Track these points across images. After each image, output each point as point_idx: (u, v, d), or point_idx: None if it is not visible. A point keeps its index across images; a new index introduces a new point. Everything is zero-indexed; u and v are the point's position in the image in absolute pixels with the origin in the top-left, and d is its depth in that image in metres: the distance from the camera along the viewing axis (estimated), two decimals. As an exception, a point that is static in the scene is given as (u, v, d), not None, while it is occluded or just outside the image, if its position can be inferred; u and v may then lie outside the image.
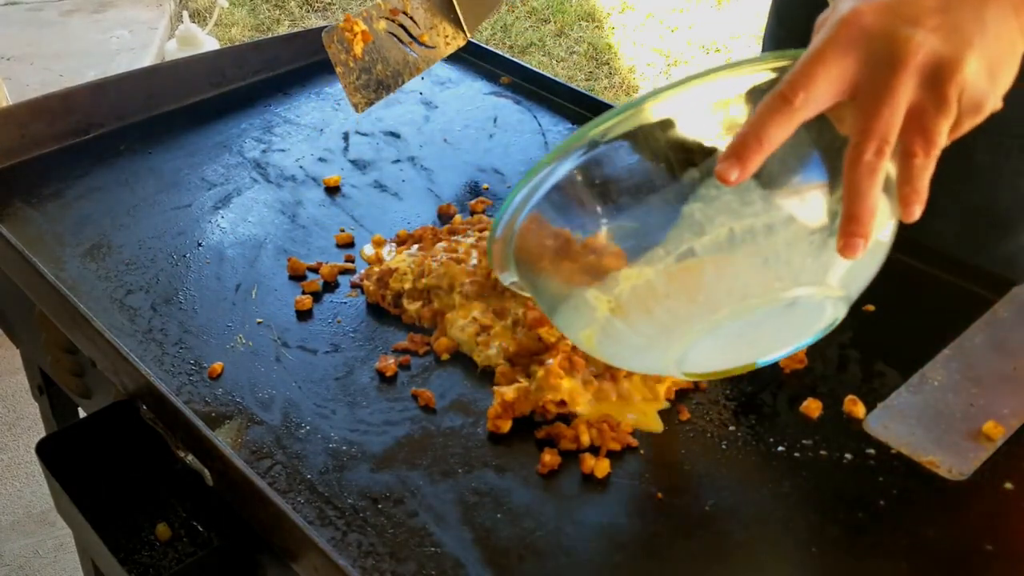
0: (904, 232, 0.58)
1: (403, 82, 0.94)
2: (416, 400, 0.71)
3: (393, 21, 0.93)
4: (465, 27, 0.99)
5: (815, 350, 0.74)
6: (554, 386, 0.68)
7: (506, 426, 0.68)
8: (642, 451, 0.67)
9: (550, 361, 0.69)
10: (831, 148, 0.53)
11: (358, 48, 0.90)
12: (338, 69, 0.89)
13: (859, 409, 0.69)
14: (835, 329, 0.79)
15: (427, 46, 0.96)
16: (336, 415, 0.70)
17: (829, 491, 0.64)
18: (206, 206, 0.92)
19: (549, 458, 0.65)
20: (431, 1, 0.96)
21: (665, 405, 0.70)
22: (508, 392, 0.68)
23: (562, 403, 0.68)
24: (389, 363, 0.73)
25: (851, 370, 0.73)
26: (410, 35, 0.94)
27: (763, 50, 1.04)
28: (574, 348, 0.71)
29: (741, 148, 0.50)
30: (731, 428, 0.68)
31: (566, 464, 0.66)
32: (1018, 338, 0.74)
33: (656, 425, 0.68)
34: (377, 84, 0.92)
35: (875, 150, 0.50)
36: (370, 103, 0.92)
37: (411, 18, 0.94)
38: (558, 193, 0.57)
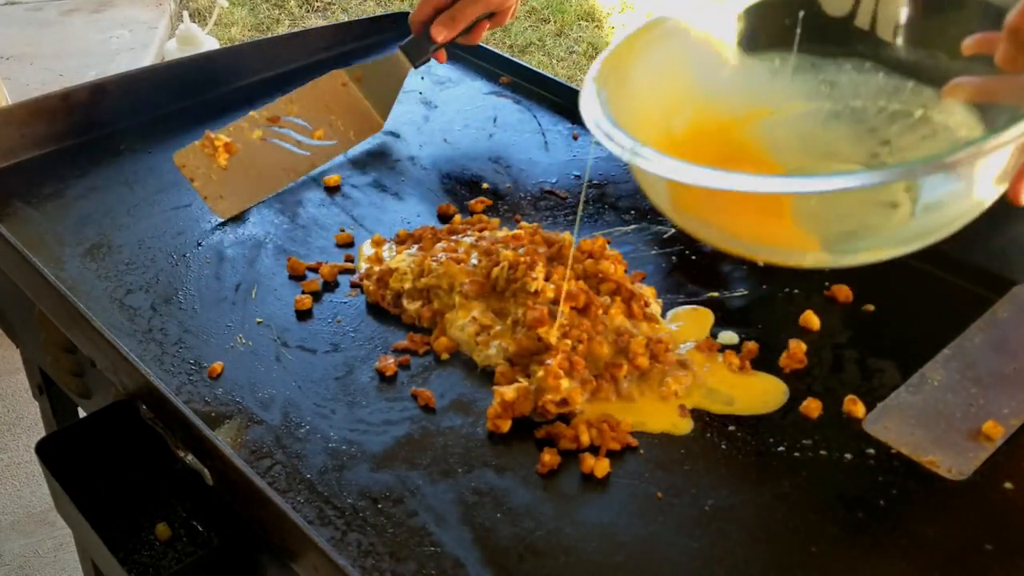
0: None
1: (292, 179, 0.94)
2: (416, 400, 0.71)
3: (273, 128, 0.94)
4: (377, 115, 0.99)
5: (815, 350, 0.75)
6: (554, 386, 0.68)
7: (506, 426, 0.68)
8: (642, 451, 0.67)
9: (549, 361, 0.69)
10: None
11: (222, 159, 0.90)
12: (195, 184, 0.89)
13: (859, 409, 0.69)
14: (835, 329, 0.79)
15: (322, 142, 0.96)
16: (336, 415, 0.70)
17: (829, 491, 0.64)
18: (206, 206, 0.92)
19: (549, 458, 0.65)
20: (324, 99, 0.97)
21: (675, 407, 0.70)
22: (508, 392, 0.68)
23: (563, 403, 0.68)
24: (389, 363, 0.73)
25: (851, 370, 0.73)
26: (297, 137, 0.95)
27: None
28: (574, 348, 0.71)
29: None
30: (731, 428, 0.68)
31: (566, 464, 0.66)
32: (1018, 338, 0.74)
33: (672, 426, 0.68)
34: (251, 189, 0.91)
35: None
36: (241, 208, 0.90)
37: (297, 120, 0.95)
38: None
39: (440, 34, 0.95)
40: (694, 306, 0.79)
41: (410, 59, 0.99)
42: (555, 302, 0.74)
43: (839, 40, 0.65)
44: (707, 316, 0.78)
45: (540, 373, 0.69)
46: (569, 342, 0.71)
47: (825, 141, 0.65)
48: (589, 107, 0.58)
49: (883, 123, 0.63)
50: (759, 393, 0.71)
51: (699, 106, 0.64)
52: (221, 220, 0.89)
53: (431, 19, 0.96)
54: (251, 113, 0.94)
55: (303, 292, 0.81)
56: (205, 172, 0.90)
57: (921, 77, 0.62)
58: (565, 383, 0.68)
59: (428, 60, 1.00)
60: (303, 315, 0.79)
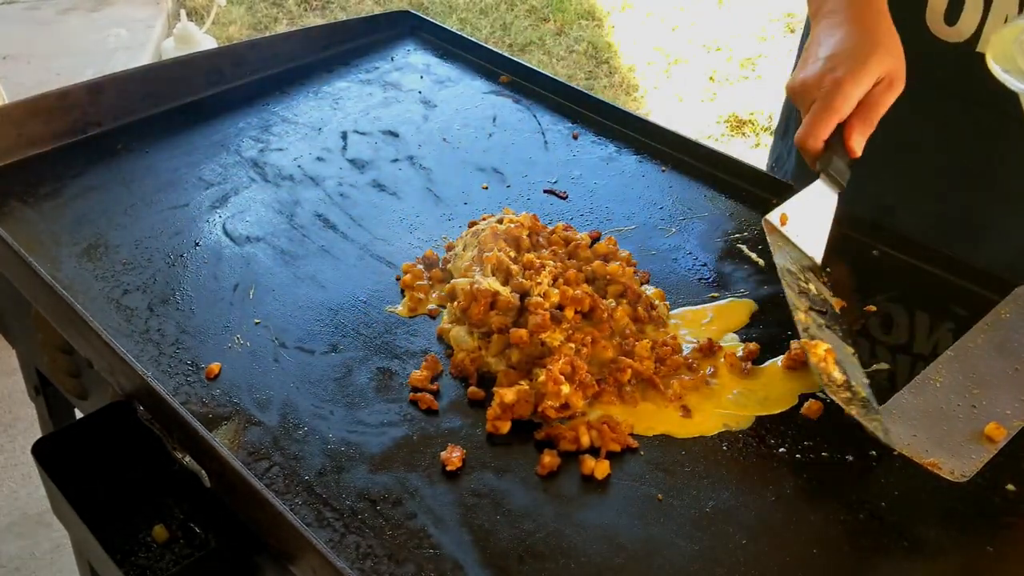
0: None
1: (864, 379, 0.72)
2: (416, 403, 0.70)
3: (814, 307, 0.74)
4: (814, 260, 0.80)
5: (816, 350, 0.74)
6: (554, 391, 0.68)
7: (505, 427, 0.68)
8: (642, 452, 0.67)
9: (551, 367, 0.69)
10: None
11: (836, 372, 0.69)
12: (851, 410, 0.67)
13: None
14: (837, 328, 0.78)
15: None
16: (334, 416, 0.69)
17: (830, 492, 0.64)
18: (203, 206, 0.92)
19: (549, 459, 0.65)
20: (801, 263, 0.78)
21: (677, 410, 0.69)
22: (508, 394, 0.68)
23: (563, 407, 0.68)
24: (453, 457, 0.66)
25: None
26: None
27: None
28: (577, 351, 0.71)
29: None
30: (732, 429, 0.68)
31: (566, 465, 0.65)
32: (1020, 339, 0.73)
33: (678, 427, 0.68)
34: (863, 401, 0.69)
35: None
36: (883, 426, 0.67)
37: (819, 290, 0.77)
38: None
39: (860, 144, 0.79)
40: (696, 306, 0.79)
41: (836, 183, 0.80)
42: (560, 307, 0.73)
43: None
44: (703, 314, 0.78)
45: (541, 378, 0.69)
46: (573, 346, 0.71)
47: None
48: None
49: None
50: (786, 387, 0.71)
51: None
52: (222, 225, 0.88)
53: (833, 135, 0.79)
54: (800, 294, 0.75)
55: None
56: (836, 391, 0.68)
57: None
58: (566, 388, 0.68)
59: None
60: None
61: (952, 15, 0.79)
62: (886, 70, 0.78)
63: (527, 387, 0.69)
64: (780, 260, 0.75)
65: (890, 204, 0.91)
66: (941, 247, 0.84)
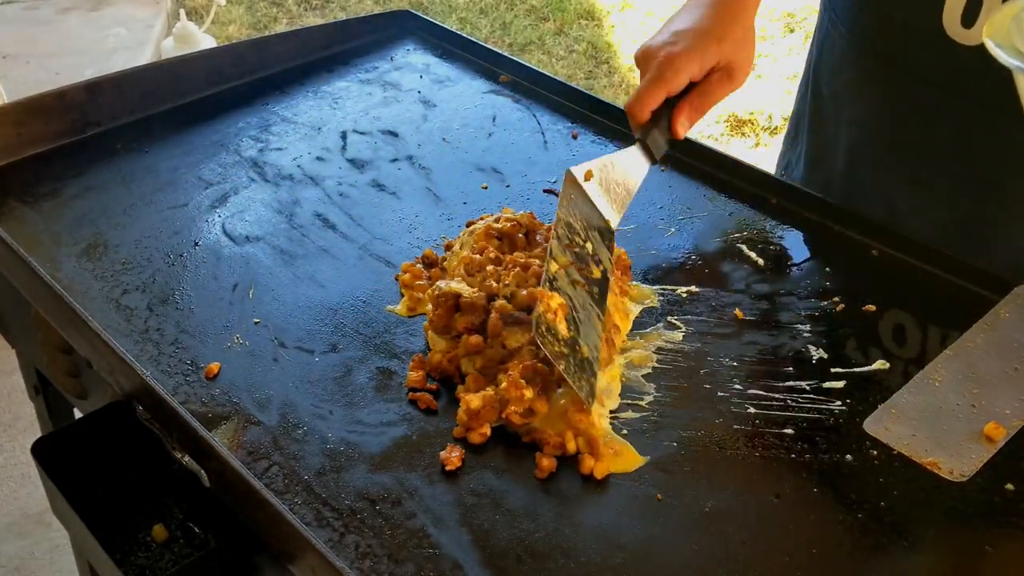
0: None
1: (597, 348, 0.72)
2: (416, 403, 0.70)
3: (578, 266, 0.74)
4: (607, 214, 0.81)
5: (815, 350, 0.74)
6: (517, 397, 0.67)
7: (477, 437, 0.67)
8: (641, 451, 0.66)
9: (512, 371, 0.68)
10: None
11: (561, 327, 0.70)
12: (559, 366, 0.67)
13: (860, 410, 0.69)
14: (837, 328, 0.79)
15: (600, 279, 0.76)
16: (334, 416, 0.69)
17: (830, 492, 0.64)
18: (203, 205, 0.92)
19: (547, 463, 0.65)
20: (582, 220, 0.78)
21: (604, 425, 0.68)
22: (473, 400, 0.68)
23: (528, 412, 0.67)
24: (453, 456, 0.66)
25: (852, 370, 0.73)
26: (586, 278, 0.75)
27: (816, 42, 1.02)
28: (537, 355, 0.69)
29: None
30: (733, 427, 0.68)
31: (565, 465, 0.65)
32: (1020, 339, 0.73)
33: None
34: (583, 362, 0.70)
35: None
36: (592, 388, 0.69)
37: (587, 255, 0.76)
38: None
39: (685, 128, 0.82)
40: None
41: (651, 155, 0.82)
42: (529, 309, 0.72)
43: None
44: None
45: (504, 383, 0.68)
46: (535, 348, 0.70)
47: None
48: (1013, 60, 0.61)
49: None
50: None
51: None
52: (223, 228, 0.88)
53: (661, 107, 0.82)
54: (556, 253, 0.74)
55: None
56: (557, 349, 0.70)
57: None
58: (528, 393, 0.67)
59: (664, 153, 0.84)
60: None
61: (969, 17, 0.79)
62: (727, 60, 0.81)
63: (492, 392, 0.68)
64: (564, 213, 0.75)
65: (901, 209, 0.90)
66: (940, 245, 0.84)
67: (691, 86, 0.83)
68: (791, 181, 0.98)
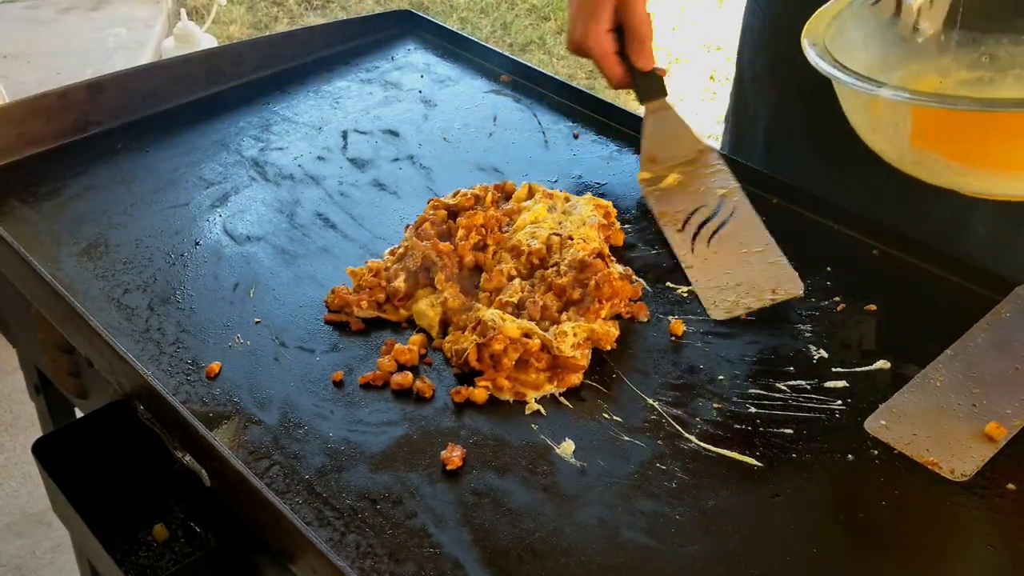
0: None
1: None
2: (416, 399, 0.70)
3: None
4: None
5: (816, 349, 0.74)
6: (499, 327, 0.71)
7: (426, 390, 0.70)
8: (642, 451, 0.66)
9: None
10: None
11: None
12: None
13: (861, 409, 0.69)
14: (837, 328, 0.79)
15: None
16: (334, 415, 0.69)
17: (830, 492, 0.64)
18: (204, 205, 0.92)
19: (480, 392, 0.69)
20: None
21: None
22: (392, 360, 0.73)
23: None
24: (453, 456, 0.66)
25: (852, 370, 0.73)
26: None
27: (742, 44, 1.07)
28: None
29: None
30: (735, 427, 0.68)
31: (565, 465, 0.65)
32: (1021, 338, 0.73)
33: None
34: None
35: None
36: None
37: None
38: None
39: (652, 60, 0.93)
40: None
41: (663, 93, 0.94)
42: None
43: (998, 16, 0.75)
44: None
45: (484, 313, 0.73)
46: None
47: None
48: (821, 60, 0.68)
49: None
50: None
51: (886, 73, 0.71)
52: (223, 226, 0.88)
53: (619, 50, 0.93)
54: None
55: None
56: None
57: None
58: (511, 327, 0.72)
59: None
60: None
61: None
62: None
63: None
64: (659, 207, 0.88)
65: (818, 189, 0.92)
66: (940, 245, 0.84)
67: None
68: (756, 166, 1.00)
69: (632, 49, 0.92)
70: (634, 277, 0.81)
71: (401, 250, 0.83)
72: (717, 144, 1.10)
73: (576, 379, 0.71)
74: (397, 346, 0.74)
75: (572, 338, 0.72)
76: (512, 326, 0.72)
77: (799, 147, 0.97)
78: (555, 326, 0.74)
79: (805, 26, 0.72)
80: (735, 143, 1.07)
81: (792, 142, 0.98)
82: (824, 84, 0.76)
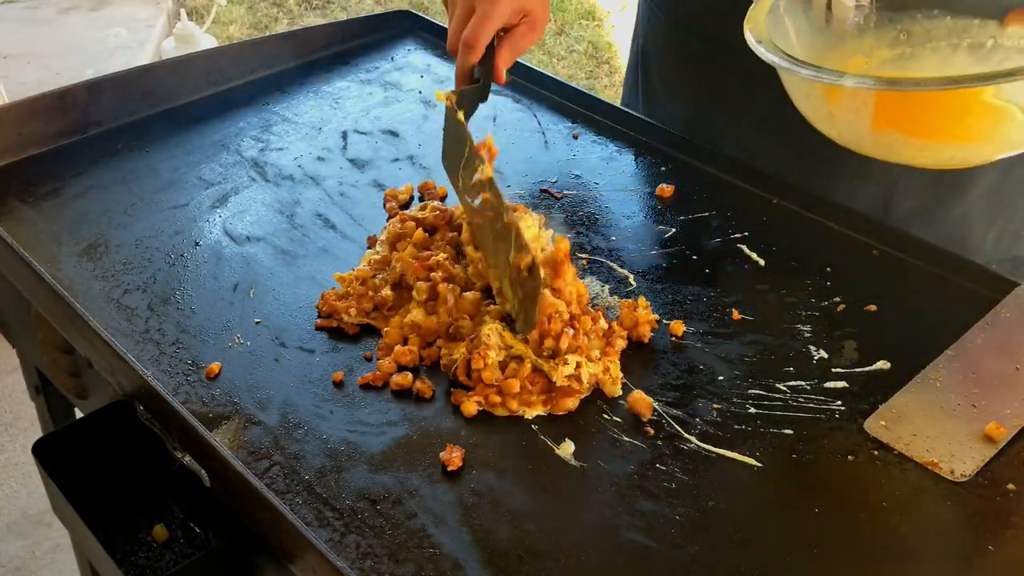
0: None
1: None
2: (415, 399, 0.70)
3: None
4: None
5: (816, 348, 0.74)
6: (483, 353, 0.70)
7: (471, 406, 0.69)
8: (642, 451, 0.66)
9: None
10: None
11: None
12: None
13: (861, 410, 0.69)
14: (837, 328, 0.79)
15: None
16: (334, 416, 0.69)
17: (830, 492, 0.64)
18: (204, 205, 0.92)
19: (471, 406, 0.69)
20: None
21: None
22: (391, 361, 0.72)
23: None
24: (453, 456, 0.66)
25: (853, 370, 0.73)
26: None
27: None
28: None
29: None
30: (735, 427, 0.68)
31: (564, 466, 0.65)
32: (1020, 339, 0.73)
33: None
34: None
35: None
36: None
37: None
38: None
39: (505, 69, 0.88)
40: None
41: (483, 96, 0.87)
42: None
43: None
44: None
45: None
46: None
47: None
48: (773, 55, 0.70)
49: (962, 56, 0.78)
50: None
51: (818, 59, 0.73)
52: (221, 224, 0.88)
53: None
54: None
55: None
56: None
57: (984, 14, 0.77)
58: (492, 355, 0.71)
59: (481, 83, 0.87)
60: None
61: None
62: (531, 9, 0.86)
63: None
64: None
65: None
66: (940, 245, 0.84)
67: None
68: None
69: (504, 56, 0.86)
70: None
71: (378, 258, 0.83)
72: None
73: (572, 404, 0.70)
74: (397, 347, 0.74)
75: (571, 369, 0.70)
76: (496, 350, 0.71)
77: (718, 138, 0.98)
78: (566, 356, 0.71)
79: (746, 19, 0.74)
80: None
81: (710, 134, 0.99)
82: (735, 73, 0.78)
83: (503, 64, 0.87)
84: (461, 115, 0.81)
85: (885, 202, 0.92)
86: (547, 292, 0.73)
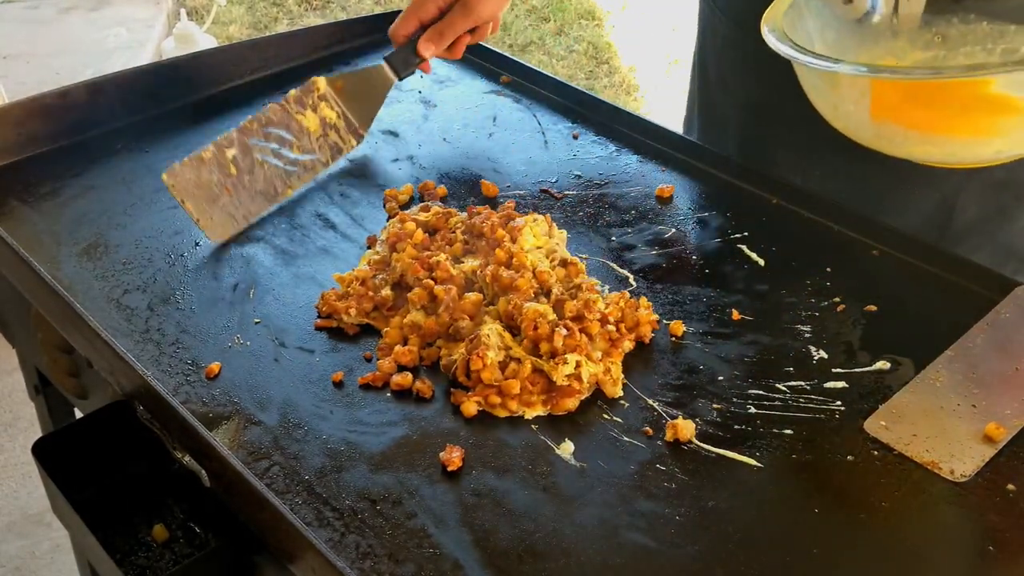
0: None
1: (281, 198, 0.91)
2: (416, 399, 0.70)
3: (257, 142, 0.90)
4: (358, 126, 0.97)
5: (816, 348, 0.74)
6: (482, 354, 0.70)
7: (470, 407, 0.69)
8: (642, 451, 0.66)
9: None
10: None
11: (229, 169, 0.88)
12: (186, 205, 0.85)
13: (861, 410, 0.68)
14: (837, 328, 0.79)
15: (306, 155, 0.93)
16: (334, 415, 0.69)
17: (831, 492, 0.64)
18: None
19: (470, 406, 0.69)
20: (305, 112, 0.94)
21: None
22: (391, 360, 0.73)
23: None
24: (453, 456, 0.65)
25: (853, 370, 0.73)
26: (282, 151, 0.92)
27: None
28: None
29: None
30: (735, 427, 0.68)
31: (564, 466, 0.65)
32: (1021, 339, 0.73)
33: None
34: (242, 208, 0.88)
35: None
36: (235, 231, 0.87)
37: (280, 132, 0.92)
38: None
39: (428, 49, 0.97)
40: None
41: (395, 72, 0.97)
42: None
43: None
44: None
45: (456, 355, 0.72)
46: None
47: None
48: (781, 45, 0.70)
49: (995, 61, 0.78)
50: None
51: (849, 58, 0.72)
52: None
53: (416, 33, 0.97)
54: (229, 132, 0.90)
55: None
56: (194, 192, 0.86)
57: (1022, 20, 0.76)
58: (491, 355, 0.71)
59: (412, 72, 0.99)
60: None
61: None
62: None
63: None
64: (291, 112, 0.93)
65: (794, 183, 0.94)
66: (940, 245, 0.84)
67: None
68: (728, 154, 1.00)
69: (427, 35, 0.96)
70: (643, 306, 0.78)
71: (377, 258, 0.82)
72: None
73: (572, 404, 0.70)
74: (397, 347, 0.74)
75: (571, 368, 0.70)
76: (495, 350, 0.71)
77: (774, 143, 0.97)
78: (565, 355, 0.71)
79: (765, 15, 0.73)
80: (706, 143, 1.05)
81: (765, 139, 0.98)
82: (794, 77, 0.78)
83: (422, 42, 0.96)
84: (330, 96, 0.95)
85: (947, 211, 0.91)
86: (532, 303, 0.74)
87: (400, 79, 0.98)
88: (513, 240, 0.80)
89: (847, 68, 0.65)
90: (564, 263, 0.80)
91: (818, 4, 0.77)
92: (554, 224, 0.85)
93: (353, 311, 0.77)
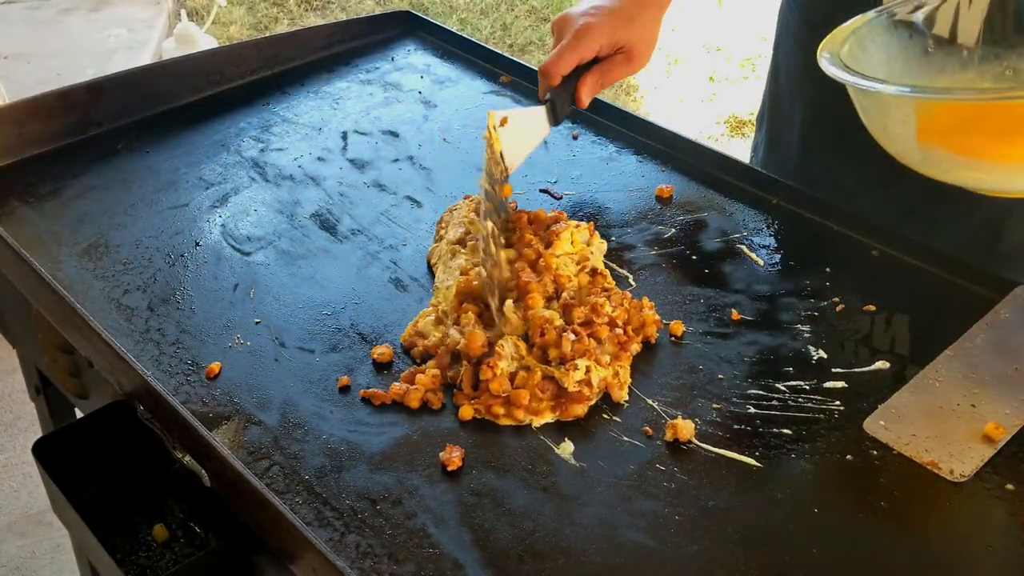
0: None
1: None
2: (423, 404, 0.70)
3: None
4: (506, 166, 0.87)
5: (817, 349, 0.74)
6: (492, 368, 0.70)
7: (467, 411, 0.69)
8: (642, 451, 0.67)
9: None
10: None
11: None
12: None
13: (860, 409, 0.69)
14: (837, 328, 0.79)
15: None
16: (334, 416, 0.69)
17: (830, 491, 0.64)
18: (204, 205, 0.92)
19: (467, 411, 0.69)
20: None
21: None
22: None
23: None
24: (453, 456, 0.66)
25: (852, 370, 0.73)
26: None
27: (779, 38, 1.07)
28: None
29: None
30: (735, 427, 0.68)
31: (564, 466, 0.66)
32: (1020, 339, 0.73)
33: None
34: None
35: None
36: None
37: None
38: None
39: (588, 100, 0.90)
40: None
41: (554, 119, 0.89)
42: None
43: (1019, 31, 0.77)
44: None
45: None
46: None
47: None
48: (831, 67, 0.70)
49: None
50: None
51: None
52: (221, 223, 0.88)
53: (572, 73, 0.89)
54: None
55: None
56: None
57: None
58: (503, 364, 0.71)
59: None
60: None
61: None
62: (631, 43, 0.89)
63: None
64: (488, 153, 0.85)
65: (850, 187, 0.93)
66: (940, 245, 0.84)
67: (595, 61, 0.90)
68: (762, 169, 1.00)
69: (588, 83, 0.89)
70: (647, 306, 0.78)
71: (440, 313, 0.78)
72: (742, 144, 1.11)
73: (581, 411, 0.69)
74: (419, 376, 0.71)
75: (582, 374, 0.70)
76: (508, 360, 0.71)
77: (832, 147, 0.96)
78: (576, 361, 0.71)
79: (823, 42, 0.73)
80: (770, 142, 1.06)
81: (825, 141, 0.98)
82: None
83: (585, 90, 0.89)
84: (494, 133, 0.84)
85: (996, 229, 0.90)
86: (542, 310, 0.74)
87: (556, 125, 0.90)
88: (548, 244, 0.80)
89: (891, 89, 0.65)
90: (594, 272, 0.80)
91: (883, 34, 0.76)
92: (596, 233, 0.84)
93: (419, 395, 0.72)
